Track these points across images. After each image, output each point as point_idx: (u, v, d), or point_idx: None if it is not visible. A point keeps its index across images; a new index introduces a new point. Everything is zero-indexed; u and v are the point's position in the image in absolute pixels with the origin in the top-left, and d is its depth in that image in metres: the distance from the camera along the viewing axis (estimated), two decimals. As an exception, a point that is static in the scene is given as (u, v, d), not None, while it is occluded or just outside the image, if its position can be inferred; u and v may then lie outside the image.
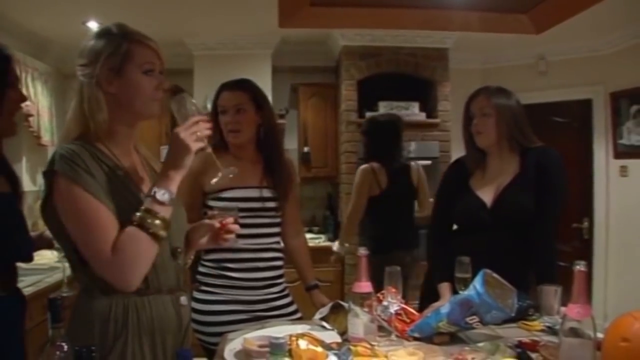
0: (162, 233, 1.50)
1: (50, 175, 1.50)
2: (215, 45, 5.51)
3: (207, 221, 1.82)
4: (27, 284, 3.41)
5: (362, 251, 1.83)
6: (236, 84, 2.41)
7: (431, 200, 3.96)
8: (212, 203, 2.28)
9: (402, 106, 5.47)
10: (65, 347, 1.13)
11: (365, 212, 3.97)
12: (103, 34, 1.62)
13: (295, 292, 2.57)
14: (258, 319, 2.27)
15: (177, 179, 1.54)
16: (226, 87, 2.41)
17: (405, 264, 3.40)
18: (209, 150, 1.63)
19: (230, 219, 1.80)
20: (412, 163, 4.05)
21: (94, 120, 1.56)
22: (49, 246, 2.08)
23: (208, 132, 1.57)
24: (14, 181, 1.93)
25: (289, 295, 2.47)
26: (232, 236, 1.80)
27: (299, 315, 2.45)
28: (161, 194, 1.50)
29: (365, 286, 1.79)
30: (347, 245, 4.22)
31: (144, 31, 1.67)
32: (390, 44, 5.43)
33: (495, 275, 1.85)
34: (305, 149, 5.67)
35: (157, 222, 1.49)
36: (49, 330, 1.52)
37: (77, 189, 1.47)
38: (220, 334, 2.04)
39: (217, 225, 1.79)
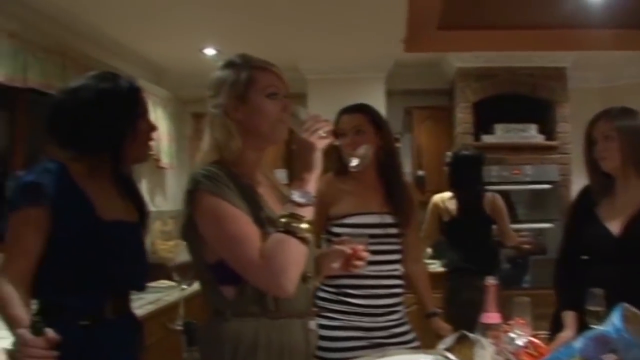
0: (309, 236, 1.52)
1: (193, 193, 1.55)
2: (329, 69, 5.58)
3: (338, 247, 1.82)
4: (146, 302, 3.57)
5: (491, 281, 1.78)
6: (355, 107, 2.42)
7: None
8: (335, 229, 2.28)
9: (519, 128, 5.33)
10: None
11: (444, 237, 4.17)
12: (227, 65, 1.69)
13: (410, 317, 2.52)
14: (377, 347, 2.24)
15: (312, 179, 1.56)
16: (345, 110, 2.43)
17: (478, 288, 3.45)
18: (336, 142, 1.64)
19: (361, 246, 1.79)
20: (489, 193, 4.09)
21: (228, 149, 1.62)
22: (168, 277, 2.13)
23: (329, 127, 1.59)
24: (143, 211, 2.00)
25: (407, 323, 2.42)
26: (362, 263, 1.80)
27: (417, 343, 2.39)
28: (300, 196, 1.52)
29: (494, 317, 1.74)
30: None
31: (259, 56, 1.73)
32: (506, 65, 5.32)
33: (635, 310, 1.73)
34: (420, 173, 5.62)
35: (303, 225, 1.50)
36: (183, 354, 1.58)
37: (222, 202, 1.52)
38: None
39: (349, 251, 1.78)
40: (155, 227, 5.69)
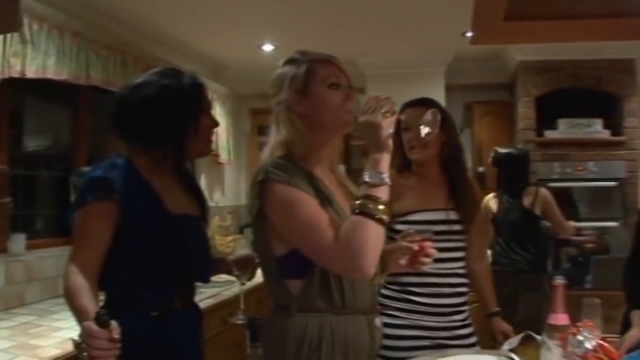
0: (386, 217, 1.47)
1: (263, 183, 1.55)
2: (388, 64, 5.53)
3: (404, 244, 1.77)
4: (206, 296, 3.61)
5: (559, 280, 1.71)
6: (419, 100, 2.37)
7: (572, 223, 4.22)
8: (398, 227, 2.23)
9: (584, 123, 5.16)
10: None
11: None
12: (287, 62, 1.69)
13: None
14: (440, 347, 2.18)
15: (383, 159, 1.51)
16: (408, 104, 2.38)
17: (522, 285, 3.87)
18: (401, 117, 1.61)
19: (429, 243, 1.76)
20: (531, 187, 4.09)
21: (294, 143, 1.61)
22: (228, 272, 2.15)
23: (391, 105, 1.53)
24: (203, 205, 2.03)
25: (471, 325, 2.35)
26: (429, 260, 1.75)
27: (477, 347, 2.32)
28: (372, 177, 1.48)
29: (562, 318, 1.67)
30: None
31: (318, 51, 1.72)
32: (570, 57, 5.14)
33: None
34: (480, 169, 5.50)
35: (380, 206, 1.46)
36: (247, 350, 1.57)
37: (293, 189, 1.51)
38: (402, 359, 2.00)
39: (416, 248, 1.74)
40: (214, 223, 5.76)
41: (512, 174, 4.11)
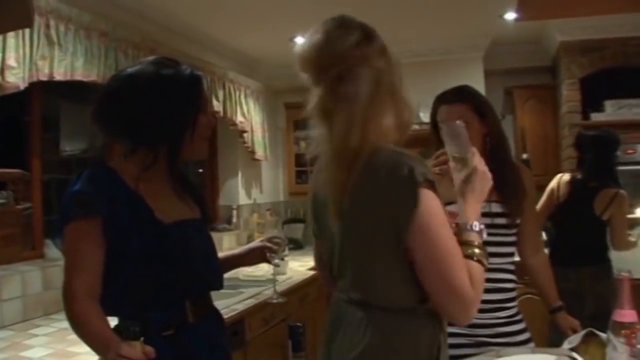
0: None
1: (415, 187, 1.33)
2: (424, 51, 5.39)
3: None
4: (247, 296, 3.55)
5: (624, 273, 1.56)
6: (454, 95, 2.22)
7: (632, 238, 3.79)
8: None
9: (632, 104, 4.92)
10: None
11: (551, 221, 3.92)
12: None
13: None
14: (480, 345, 2.07)
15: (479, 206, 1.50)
16: (444, 100, 2.23)
17: (579, 280, 3.57)
18: None
19: None
20: (612, 189, 3.67)
21: (405, 123, 1.52)
22: (264, 260, 2.06)
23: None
24: (203, 206, 1.90)
25: (521, 322, 2.21)
26: None
27: (531, 345, 2.16)
28: (479, 227, 1.46)
29: (629, 315, 1.52)
30: None
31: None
32: (616, 35, 4.88)
33: None
34: (524, 156, 5.33)
35: (485, 259, 1.43)
36: (290, 359, 1.46)
37: (441, 204, 1.37)
38: None
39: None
40: (252, 220, 5.72)
41: (591, 159, 3.74)
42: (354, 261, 1.45)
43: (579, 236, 3.72)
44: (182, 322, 1.66)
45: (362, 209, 1.38)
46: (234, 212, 5.55)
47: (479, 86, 5.06)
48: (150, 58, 1.76)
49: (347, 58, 1.42)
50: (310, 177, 1.75)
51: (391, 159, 1.36)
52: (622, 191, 3.67)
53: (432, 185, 1.35)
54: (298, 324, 1.45)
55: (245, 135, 5.33)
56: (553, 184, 3.89)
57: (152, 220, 1.64)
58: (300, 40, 4.96)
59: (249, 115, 5.35)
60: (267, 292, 3.59)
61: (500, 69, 5.57)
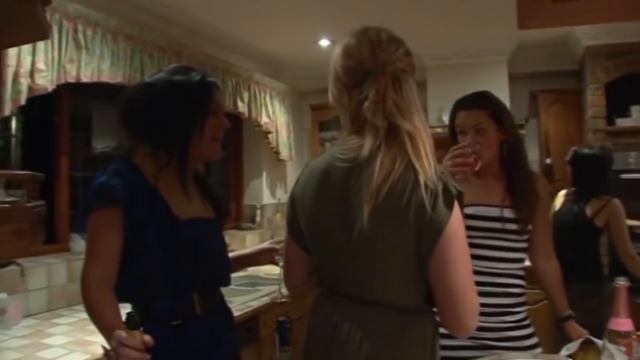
0: None
1: (452, 200, 1.39)
2: (448, 54, 5.41)
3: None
4: (263, 293, 3.62)
5: (621, 282, 1.58)
6: (473, 101, 2.24)
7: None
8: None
9: (660, 110, 4.87)
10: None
11: None
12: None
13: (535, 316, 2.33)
14: (485, 348, 2.07)
15: None
16: (462, 106, 2.25)
17: (579, 294, 3.25)
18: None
19: None
20: (605, 198, 3.68)
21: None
22: (272, 262, 2.14)
23: None
24: (218, 206, 1.98)
25: (528, 327, 2.20)
26: None
27: (539, 350, 2.17)
28: None
29: (624, 323, 1.55)
30: None
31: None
32: (641, 39, 4.85)
33: None
34: (548, 161, 5.31)
35: None
36: (277, 353, 1.53)
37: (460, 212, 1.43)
38: (444, 358, 1.91)
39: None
40: (276, 219, 5.78)
41: (587, 178, 3.77)
42: (370, 259, 1.46)
43: (571, 247, 3.62)
44: (189, 313, 1.74)
45: (391, 208, 1.40)
46: (258, 212, 5.63)
47: (504, 89, 5.07)
48: (171, 66, 1.88)
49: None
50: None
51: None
52: (615, 199, 3.68)
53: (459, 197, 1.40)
54: (286, 319, 1.50)
55: (270, 136, 5.40)
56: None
57: (168, 215, 1.74)
58: (324, 43, 5.03)
59: (274, 117, 5.42)
60: (283, 291, 3.65)
61: (525, 73, 5.55)
